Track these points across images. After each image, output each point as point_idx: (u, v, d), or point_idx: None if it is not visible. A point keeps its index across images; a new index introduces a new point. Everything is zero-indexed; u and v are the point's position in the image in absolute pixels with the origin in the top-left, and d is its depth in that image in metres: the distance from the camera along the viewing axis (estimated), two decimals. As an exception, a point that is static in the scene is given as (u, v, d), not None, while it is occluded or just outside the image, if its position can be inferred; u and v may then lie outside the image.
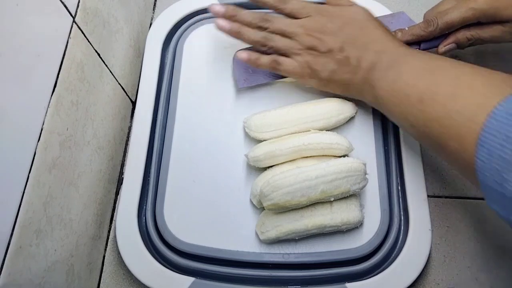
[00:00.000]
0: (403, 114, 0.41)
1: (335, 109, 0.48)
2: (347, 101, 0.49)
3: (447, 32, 0.48)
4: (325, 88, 0.48)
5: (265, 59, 0.48)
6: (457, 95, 0.36)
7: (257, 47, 0.49)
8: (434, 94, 0.38)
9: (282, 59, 0.48)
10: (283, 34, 0.47)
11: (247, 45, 0.50)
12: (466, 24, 0.47)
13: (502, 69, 0.39)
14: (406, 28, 0.49)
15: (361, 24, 0.46)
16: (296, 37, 0.47)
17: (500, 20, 0.45)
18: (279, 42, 0.47)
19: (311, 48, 0.46)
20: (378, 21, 0.47)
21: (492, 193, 0.32)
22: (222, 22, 0.48)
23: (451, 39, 0.49)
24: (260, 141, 0.49)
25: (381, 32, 0.46)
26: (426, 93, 0.39)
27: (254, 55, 0.48)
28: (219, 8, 0.48)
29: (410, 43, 0.49)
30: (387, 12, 0.55)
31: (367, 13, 0.47)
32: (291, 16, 0.48)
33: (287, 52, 0.47)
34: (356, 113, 0.50)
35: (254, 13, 0.48)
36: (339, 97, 0.49)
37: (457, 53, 0.53)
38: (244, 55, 0.49)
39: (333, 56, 0.46)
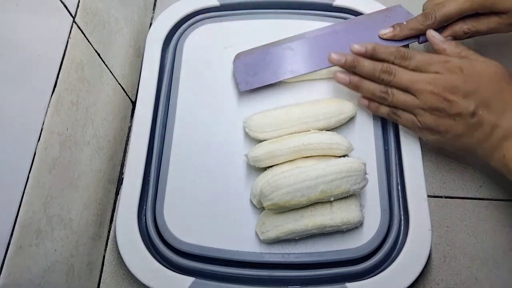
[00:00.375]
0: None
1: (335, 109, 0.48)
2: (347, 101, 0.49)
3: (445, 24, 0.48)
4: (442, 145, 0.46)
5: (384, 109, 0.47)
6: None
7: (377, 101, 0.47)
8: None
9: (401, 112, 0.46)
10: (406, 90, 0.44)
11: (251, 46, 0.51)
12: (463, 16, 0.47)
13: (498, 61, 0.39)
14: (404, 23, 0.49)
15: (499, 85, 0.42)
16: (420, 95, 0.43)
17: (497, 11, 0.45)
18: (400, 98, 0.45)
19: (436, 109, 0.43)
20: None
21: None
22: (342, 75, 0.47)
23: (448, 31, 0.48)
24: (260, 141, 0.49)
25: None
26: None
27: (374, 105, 0.48)
28: (339, 58, 0.47)
29: (408, 37, 0.49)
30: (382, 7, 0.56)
31: (503, 71, 0.43)
32: (417, 71, 0.45)
33: (407, 109, 0.45)
34: (356, 113, 0.50)
35: (375, 64, 0.46)
36: (339, 97, 0.49)
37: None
38: (365, 102, 0.48)
39: (462, 120, 0.42)
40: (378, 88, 0.46)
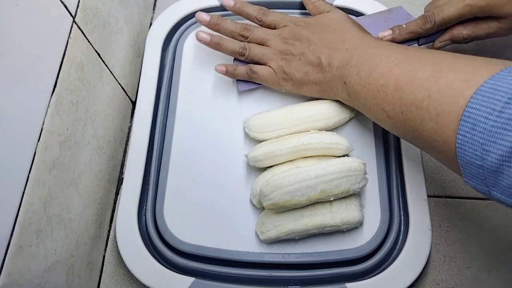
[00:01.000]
0: (379, 105, 0.41)
1: (335, 109, 0.48)
2: None
3: (444, 28, 0.48)
4: (299, 91, 0.49)
5: (241, 69, 0.50)
6: (438, 77, 0.36)
7: (237, 57, 0.51)
8: (411, 79, 0.38)
9: (256, 67, 0.50)
10: (261, 43, 0.50)
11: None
12: (463, 20, 0.47)
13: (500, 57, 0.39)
14: (404, 25, 0.49)
15: (335, 26, 0.47)
16: (270, 44, 0.49)
17: (496, 16, 0.46)
18: (256, 49, 0.49)
19: (284, 53, 0.48)
20: (352, 22, 0.48)
21: (472, 168, 0.33)
22: (203, 34, 0.50)
23: (447, 35, 0.49)
24: (260, 141, 0.49)
25: (354, 31, 0.46)
26: (402, 79, 0.39)
27: (231, 67, 0.50)
28: (205, 17, 0.50)
29: (408, 40, 0.50)
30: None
31: (342, 16, 0.49)
32: (271, 27, 0.50)
33: (263, 59, 0.49)
34: (355, 113, 0.50)
35: (237, 23, 0.50)
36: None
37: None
38: (221, 67, 0.50)
39: (305, 58, 0.47)
40: (237, 44, 0.50)
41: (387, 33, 0.50)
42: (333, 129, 0.50)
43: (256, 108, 0.51)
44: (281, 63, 0.48)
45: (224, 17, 0.51)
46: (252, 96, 0.53)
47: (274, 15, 0.51)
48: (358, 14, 0.56)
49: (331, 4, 0.52)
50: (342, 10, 0.57)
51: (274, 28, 0.50)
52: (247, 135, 0.50)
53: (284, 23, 0.50)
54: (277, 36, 0.49)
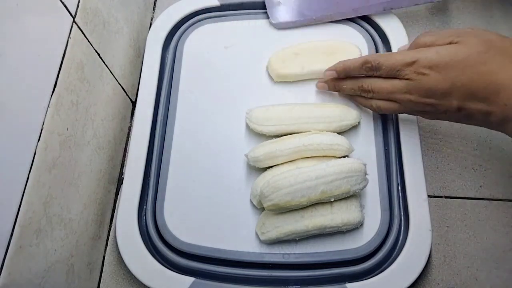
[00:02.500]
0: None
1: (338, 114, 0.48)
2: (352, 109, 0.49)
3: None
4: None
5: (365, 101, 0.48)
6: None
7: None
8: None
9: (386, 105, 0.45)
10: (387, 99, 0.45)
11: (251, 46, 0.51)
12: None
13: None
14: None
15: (476, 69, 0.38)
16: (402, 103, 0.43)
17: None
18: (386, 106, 0.45)
19: (422, 112, 0.43)
20: (495, 49, 0.37)
21: None
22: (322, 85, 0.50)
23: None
24: (259, 135, 0.49)
25: (502, 69, 0.37)
26: None
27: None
28: (323, 86, 0.50)
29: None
30: (392, 16, 0.55)
31: (476, 48, 0.38)
32: (390, 77, 0.43)
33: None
34: (359, 122, 0.50)
35: (353, 84, 0.47)
36: (346, 104, 0.50)
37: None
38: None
39: (452, 114, 0.41)
40: (363, 102, 0.48)
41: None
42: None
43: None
44: (423, 115, 0.44)
45: (338, 81, 0.49)
46: (252, 96, 0.52)
47: (386, 65, 0.42)
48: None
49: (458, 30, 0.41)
50: None
51: (395, 78, 0.43)
52: (247, 135, 0.50)
53: (404, 74, 0.41)
54: (403, 95, 0.42)
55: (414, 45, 0.43)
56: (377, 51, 0.54)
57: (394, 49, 0.53)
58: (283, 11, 0.55)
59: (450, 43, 0.40)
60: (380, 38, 0.55)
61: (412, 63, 0.40)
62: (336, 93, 0.52)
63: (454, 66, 0.38)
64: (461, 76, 0.38)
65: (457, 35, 0.39)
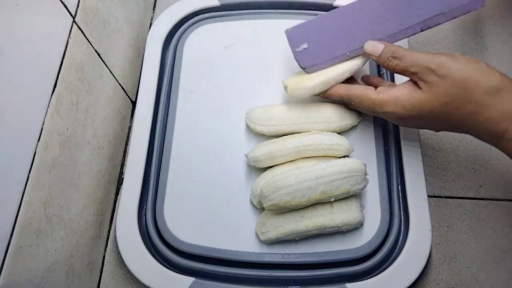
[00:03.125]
0: None
1: (339, 115, 0.48)
2: (353, 110, 0.49)
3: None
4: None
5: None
6: None
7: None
8: None
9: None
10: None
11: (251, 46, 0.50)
12: None
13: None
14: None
15: (443, 120, 0.40)
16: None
17: None
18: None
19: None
20: (461, 99, 0.38)
21: None
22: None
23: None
24: (259, 135, 0.49)
25: (483, 95, 0.38)
26: None
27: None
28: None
29: None
30: None
31: (443, 95, 0.39)
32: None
33: None
34: (358, 122, 0.50)
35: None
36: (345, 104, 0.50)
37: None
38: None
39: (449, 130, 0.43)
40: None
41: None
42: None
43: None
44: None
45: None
46: (252, 96, 0.52)
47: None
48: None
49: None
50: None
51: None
52: (247, 135, 0.50)
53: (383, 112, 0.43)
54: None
55: (382, 62, 0.43)
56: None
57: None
58: (312, 54, 0.47)
59: (414, 77, 0.40)
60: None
61: (383, 113, 0.43)
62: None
63: (422, 118, 0.41)
64: (431, 124, 0.42)
65: (422, 70, 0.39)
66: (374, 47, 0.44)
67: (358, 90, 0.44)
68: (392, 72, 0.44)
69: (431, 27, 0.46)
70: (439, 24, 0.45)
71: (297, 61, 0.47)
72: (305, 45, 0.47)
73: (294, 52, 0.47)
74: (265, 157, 0.46)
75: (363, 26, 0.46)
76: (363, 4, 0.46)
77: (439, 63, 0.39)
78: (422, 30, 0.46)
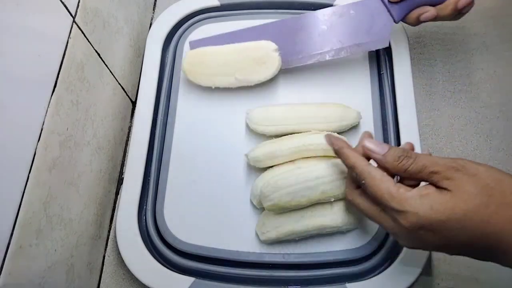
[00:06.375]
0: None
1: (339, 115, 0.48)
2: (353, 109, 0.49)
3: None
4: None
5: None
6: None
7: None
8: None
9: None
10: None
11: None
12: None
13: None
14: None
15: (476, 228, 0.31)
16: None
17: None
18: None
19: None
20: (495, 200, 0.31)
21: None
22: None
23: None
24: (259, 135, 0.49)
25: (505, 227, 0.31)
26: None
27: None
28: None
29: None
30: None
31: (475, 196, 0.31)
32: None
33: None
34: (359, 122, 0.50)
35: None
36: (347, 104, 0.50)
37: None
38: None
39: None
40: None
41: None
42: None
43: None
44: None
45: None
46: (253, 96, 0.52)
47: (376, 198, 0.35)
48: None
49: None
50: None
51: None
52: (247, 135, 0.50)
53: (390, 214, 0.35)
54: (390, 229, 0.35)
55: (391, 161, 0.36)
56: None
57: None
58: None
59: (436, 177, 0.33)
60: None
61: (398, 212, 0.33)
62: (336, 93, 0.52)
63: (451, 227, 0.32)
64: (456, 239, 0.32)
65: (445, 168, 0.33)
66: (376, 145, 0.37)
67: (378, 173, 0.35)
68: (401, 175, 0.36)
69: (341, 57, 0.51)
70: (345, 55, 0.51)
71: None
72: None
73: None
74: (265, 157, 0.46)
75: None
76: (266, 28, 0.52)
77: (463, 164, 0.33)
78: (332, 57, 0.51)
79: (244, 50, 0.51)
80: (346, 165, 0.38)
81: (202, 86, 0.53)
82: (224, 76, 0.51)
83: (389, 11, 0.49)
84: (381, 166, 0.36)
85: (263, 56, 0.50)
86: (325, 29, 0.51)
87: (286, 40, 0.51)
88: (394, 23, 0.49)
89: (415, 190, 0.33)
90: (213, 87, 0.51)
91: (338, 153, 0.39)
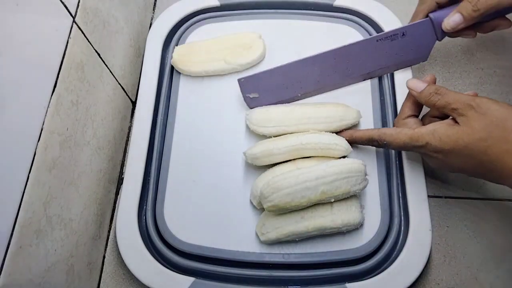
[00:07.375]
0: None
1: (339, 114, 0.48)
2: (352, 109, 0.49)
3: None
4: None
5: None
6: None
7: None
8: None
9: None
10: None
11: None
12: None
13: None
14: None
15: (477, 158, 0.39)
16: None
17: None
18: None
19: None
20: (496, 135, 0.38)
21: None
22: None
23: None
24: (259, 137, 0.49)
25: (503, 159, 0.37)
26: None
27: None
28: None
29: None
30: (392, 16, 0.56)
31: (478, 131, 0.38)
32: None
33: None
34: (359, 121, 0.50)
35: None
36: (346, 103, 0.50)
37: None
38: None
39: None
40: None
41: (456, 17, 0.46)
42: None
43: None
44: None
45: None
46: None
47: (392, 144, 0.44)
48: (358, 14, 0.57)
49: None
50: (343, 10, 0.57)
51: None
52: (247, 135, 0.50)
53: (412, 150, 0.43)
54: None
55: (424, 97, 0.43)
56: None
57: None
58: (261, 100, 0.51)
59: (454, 112, 0.40)
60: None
61: (420, 147, 0.42)
62: (336, 93, 0.52)
63: (458, 154, 0.40)
64: (466, 164, 0.40)
65: (462, 106, 0.39)
66: (416, 83, 0.44)
67: (392, 130, 0.44)
68: (431, 107, 0.44)
69: (373, 78, 0.53)
70: (382, 75, 0.53)
71: (246, 103, 0.51)
72: (256, 94, 0.51)
73: (244, 97, 0.51)
74: (263, 154, 0.46)
75: (311, 77, 0.51)
76: (315, 59, 0.50)
77: (480, 102, 0.39)
78: (364, 80, 0.53)
79: (231, 39, 0.54)
80: (364, 142, 0.47)
81: (192, 76, 0.54)
82: (214, 61, 0.53)
83: (435, 30, 0.48)
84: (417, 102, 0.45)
85: (249, 42, 0.54)
86: (373, 52, 0.50)
87: (337, 67, 0.51)
88: (437, 40, 0.49)
89: (429, 125, 0.42)
90: (204, 74, 0.53)
91: (352, 140, 0.47)
